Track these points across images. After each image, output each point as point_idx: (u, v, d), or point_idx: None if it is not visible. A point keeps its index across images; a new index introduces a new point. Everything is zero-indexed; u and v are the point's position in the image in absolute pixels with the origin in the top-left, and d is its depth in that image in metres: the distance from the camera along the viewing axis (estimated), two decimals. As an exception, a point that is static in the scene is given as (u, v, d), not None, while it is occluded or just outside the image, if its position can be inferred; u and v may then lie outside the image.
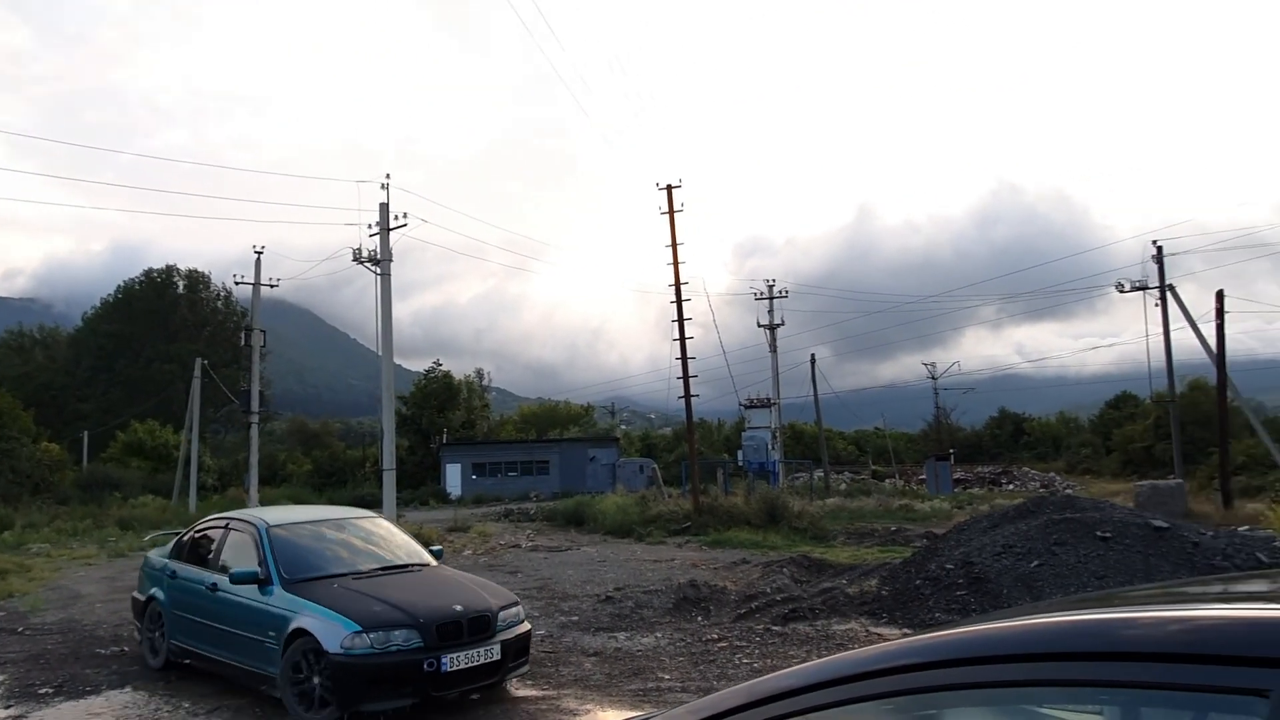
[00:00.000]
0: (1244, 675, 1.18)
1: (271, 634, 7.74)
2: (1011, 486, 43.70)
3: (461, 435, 58.19)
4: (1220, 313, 28.18)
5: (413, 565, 8.97)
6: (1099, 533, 13.10)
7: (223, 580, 8.48)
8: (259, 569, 8.16)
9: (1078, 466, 51.66)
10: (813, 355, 50.30)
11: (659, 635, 10.97)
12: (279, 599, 7.86)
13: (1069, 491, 38.65)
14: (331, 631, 7.26)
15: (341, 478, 53.89)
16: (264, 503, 29.89)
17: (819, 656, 2.25)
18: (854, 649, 1.81)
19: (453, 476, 50.33)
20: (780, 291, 47.44)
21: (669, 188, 28.37)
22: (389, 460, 23.62)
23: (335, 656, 7.15)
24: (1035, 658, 1.41)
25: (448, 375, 60.93)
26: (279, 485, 48.78)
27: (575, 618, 12.29)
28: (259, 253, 34.39)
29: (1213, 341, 28.92)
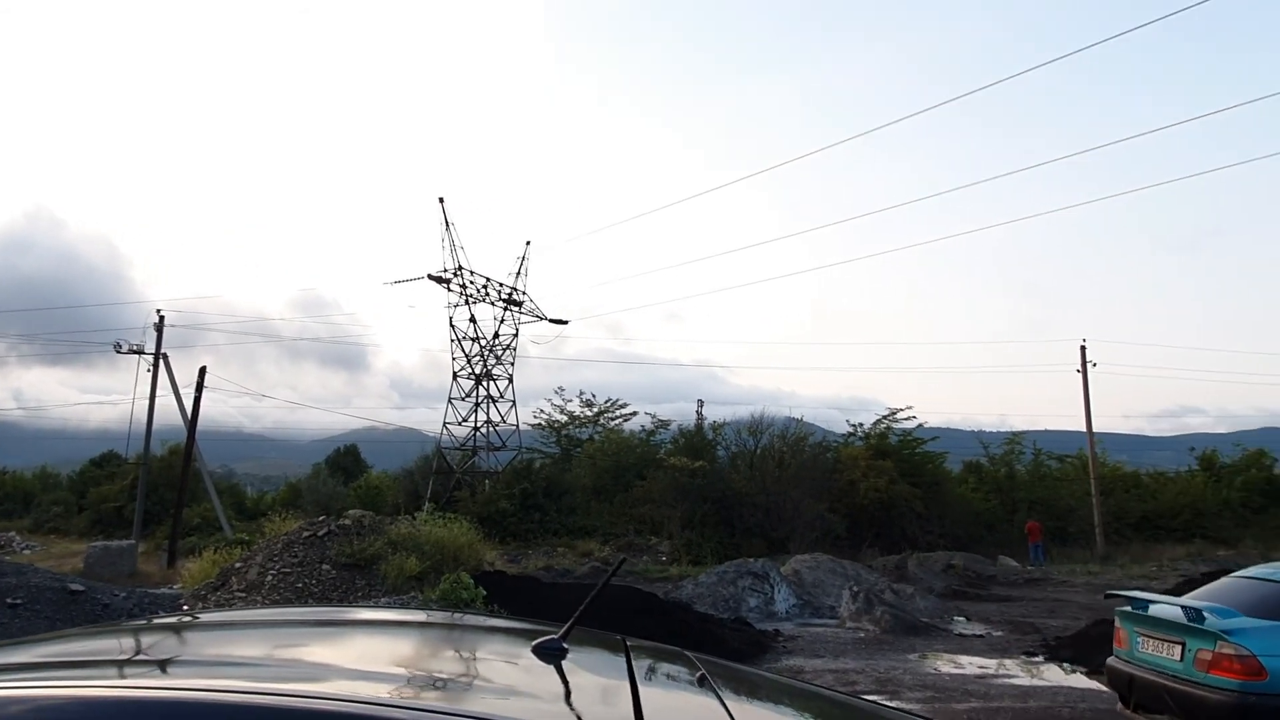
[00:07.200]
0: None
1: None
2: (-40, 546, 37.38)
3: None
4: (200, 386, 30.11)
5: None
6: (10, 599, 12.17)
7: None
8: None
9: (45, 525, 47.51)
10: None
11: None
12: None
13: (27, 551, 35.15)
14: None
15: None
16: None
17: None
18: None
19: None
20: None
21: None
22: None
23: None
24: None
25: None
26: None
27: None
28: None
29: (190, 410, 30.58)
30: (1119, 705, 7.85)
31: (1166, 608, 7.30)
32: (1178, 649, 6.87)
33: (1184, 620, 6.80)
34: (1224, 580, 7.95)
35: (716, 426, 36.86)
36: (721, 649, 11.65)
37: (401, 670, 1.90)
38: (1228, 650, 6.39)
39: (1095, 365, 34.88)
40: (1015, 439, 39.59)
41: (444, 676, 1.87)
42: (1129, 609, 7.65)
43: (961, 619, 16.20)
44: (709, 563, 23.27)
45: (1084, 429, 35.39)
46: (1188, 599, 7.40)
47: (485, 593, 12.61)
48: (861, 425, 37.44)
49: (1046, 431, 45.58)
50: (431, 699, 1.61)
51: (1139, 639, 7.41)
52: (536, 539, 31.89)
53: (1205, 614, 6.73)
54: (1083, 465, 36.03)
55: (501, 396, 41.24)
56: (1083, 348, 34.88)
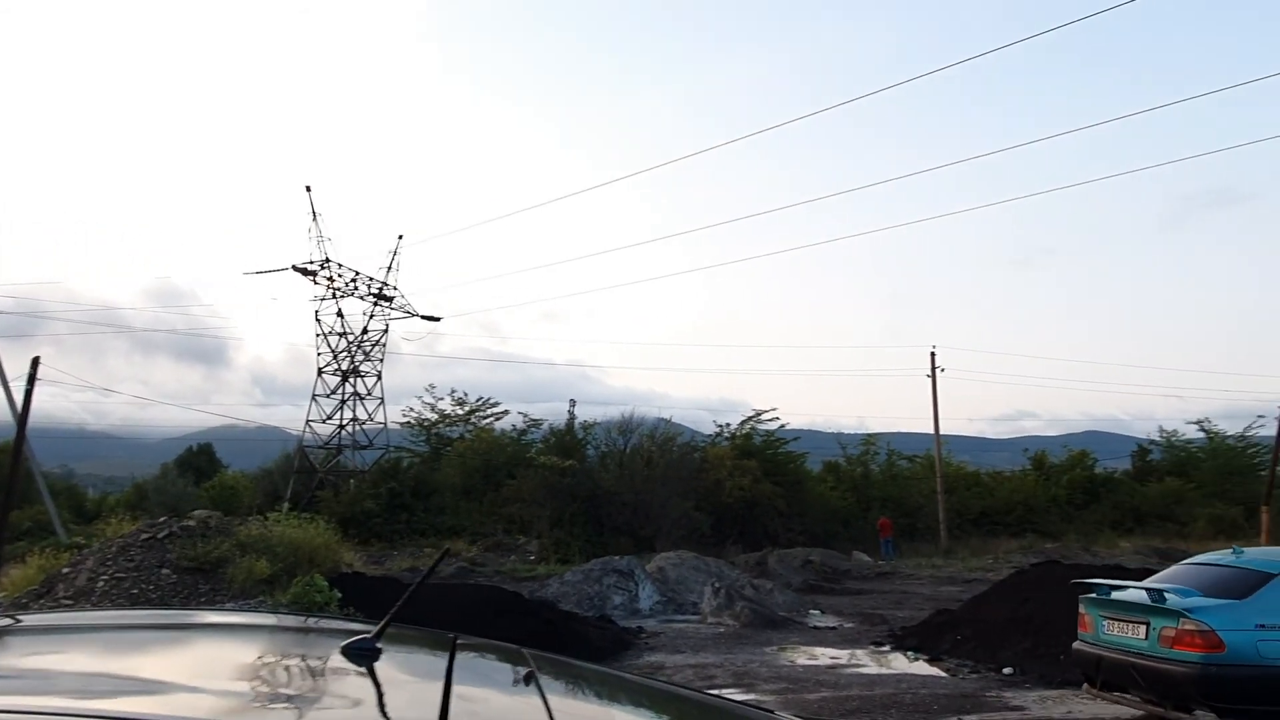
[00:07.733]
0: None
1: None
2: None
3: None
4: (32, 377, 27.57)
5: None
6: None
7: None
8: None
9: None
10: None
11: None
12: None
13: None
14: None
15: None
16: None
17: None
18: None
19: None
20: None
21: None
22: None
23: None
24: None
25: None
26: None
27: None
28: None
29: (20, 404, 27.97)
30: (1085, 685, 8.20)
31: (1130, 592, 7.81)
32: (1142, 628, 7.31)
33: (1148, 601, 7.26)
34: (1179, 566, 8.54)
35: (587, 426, 36.78)
36: (584, 647, 11.54)
37: (181, 679, 1.66)
38: (1190, 627, 6.83)
39: (944, 371, 36.94)
40: (871, 440, 41.41)
41: (231, 684, 1.65)
42: (1094, 595, 8.05)
43: (816, 612, 16.72)
44: (577, 561, 23.14)
45: (933, 431, 37.40)
46: (1149, 582, 7.92)
47: (341, 595, 12.03)
48: (728, 426, 38.24)
49: (900, 433, 47.85)
50: (201, 710, 1.39)
51: (1104, 622, 7.81)
52: (403, 540, 30.90)
53: (1167, 595, 7.20)
54: (930, 465, 38.04)
55: (369, 394, 39.84)
56: (932, 354, 36.86)
